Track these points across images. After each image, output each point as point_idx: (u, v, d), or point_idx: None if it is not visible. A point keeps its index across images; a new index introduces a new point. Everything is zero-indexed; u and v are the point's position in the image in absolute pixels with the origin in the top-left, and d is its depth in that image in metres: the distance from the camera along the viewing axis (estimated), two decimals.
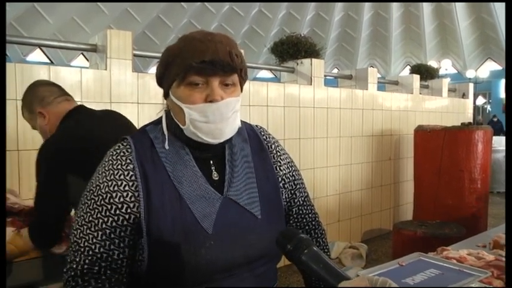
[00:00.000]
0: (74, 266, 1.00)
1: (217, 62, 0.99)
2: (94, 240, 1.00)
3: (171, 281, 1.01)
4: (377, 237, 5.21)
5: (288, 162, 1.25)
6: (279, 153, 1.23)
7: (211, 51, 0.99)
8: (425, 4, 18.91)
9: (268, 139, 1.24)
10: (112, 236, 1.00)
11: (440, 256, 1.52)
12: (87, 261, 0.99)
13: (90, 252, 1.00)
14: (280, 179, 1.20)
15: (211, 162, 1.11)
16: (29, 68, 2.68)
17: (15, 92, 2.57)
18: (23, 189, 2.61)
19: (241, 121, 1.19)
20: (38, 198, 1.68)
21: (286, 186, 1.22)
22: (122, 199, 1.01)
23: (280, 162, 1.22)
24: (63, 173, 1.63)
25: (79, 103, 1.93)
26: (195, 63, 0.98)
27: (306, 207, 1.28)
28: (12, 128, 2.57)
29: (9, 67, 2.58)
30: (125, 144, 1.07)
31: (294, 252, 0.82)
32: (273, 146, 1.23)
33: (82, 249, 1.00)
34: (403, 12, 19.82)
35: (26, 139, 2.62)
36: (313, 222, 1.30)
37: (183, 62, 1.00)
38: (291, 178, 1.24)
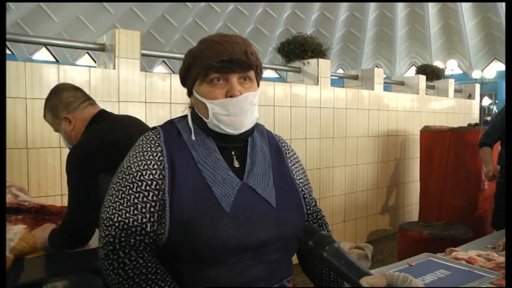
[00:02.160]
0: (111, 239, 1.06)
1: (234, 61, 1.09)
2: (127, 215, 1.06)
3: (187, 256, 1.06)
4: (382, 237, 5.21)
5: (302, 169, 1.33)
6: (295, 160, 1.31)
7: (229, 51, 1.09)
8: (430, 4, 18.84)
9: (286, 146, 1.32)
10: (143, 210, 1.07)
11: (449, 257, 1.52)
12: (123, 234, 1.06)
13: (125, 226, 1.06)
14: (297, 182, 1.26)
15: (233, 152, 1.18)
16: (38, 67, 2.70)
17: (24, 91, 2.59)
18: (32, 186, 2.63)
19: (261, 125, 1.30)
20: (70, 204, 1.68)
21: (300, 190, 1.26)
22: (151, 176, 1.08)
23: (297, 168, 1.29)
24: (95, 176, 1.64)
25: None
26: (215, 62, 1.08)
27: (315, 214, 1.34)
28: (21, 126, 2.59)
29: (19, 66, 2.60)
30: (154, 131, 1.17)
31: (315, 249, 0.82)
32: (290, 154, 1.31)
33: (116, 224, 1.06)
34: (408, 12, 19.76)
35: (35, 137, 2.64)
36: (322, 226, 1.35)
37: (204, 62, 1.09)
38: (305, 183, 1.31)
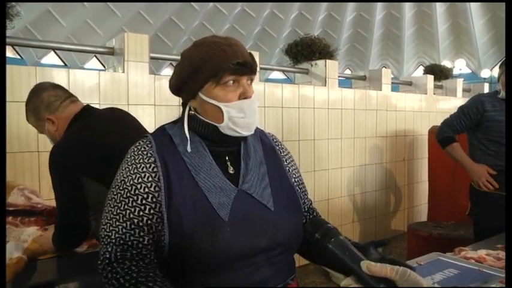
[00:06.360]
0: (108, 255, 1.06)
1: (248, 63, 1.11)
2: (124, 231, 1.06)
3: (190, 266, 1.06)
4: (391, 238, 5.18)
5: (296, 168, 1.33)
6: (289, 160, 1.31)
7: (239, 53, 1.10)
8: (438, 3, 18.73)
9: (280, 146, 1.32)
10: (140, 224, 1.06)
11: (459, 256, 1.52)
12: (119, 249, 1.05)
13: (121, 242, 1.06)
14: (292, 180, 1.26)
15: (227, 157, 1.17)
16: (49, 71, 2.73)
17: None
18: (44, 189, 2.65)
19: None
20: (58, 204, 1.67)
21: (296, 189, 1.27)
22: (146, 189, 1.07)
23: (292, 167, 1.30)
24: (77, 176, 1.62)
25: (97, 105, 1.92)
26: (232, 64, 1.08)
27: (311, 210, 1.35)
28: (33, 130, 2.57)
29: (30, 70, 2.64)
30: (145, 140, 1.15)
31: (321, 241, 0.84)
32: (285, 153, 1.31)
33: (114, 241, 1.06)
34: (415, 11, 19.65)
35: (46, 140, 2.64)
36: None
37: (219, 65, 1.08)
38: (301, 184, 1.31)
